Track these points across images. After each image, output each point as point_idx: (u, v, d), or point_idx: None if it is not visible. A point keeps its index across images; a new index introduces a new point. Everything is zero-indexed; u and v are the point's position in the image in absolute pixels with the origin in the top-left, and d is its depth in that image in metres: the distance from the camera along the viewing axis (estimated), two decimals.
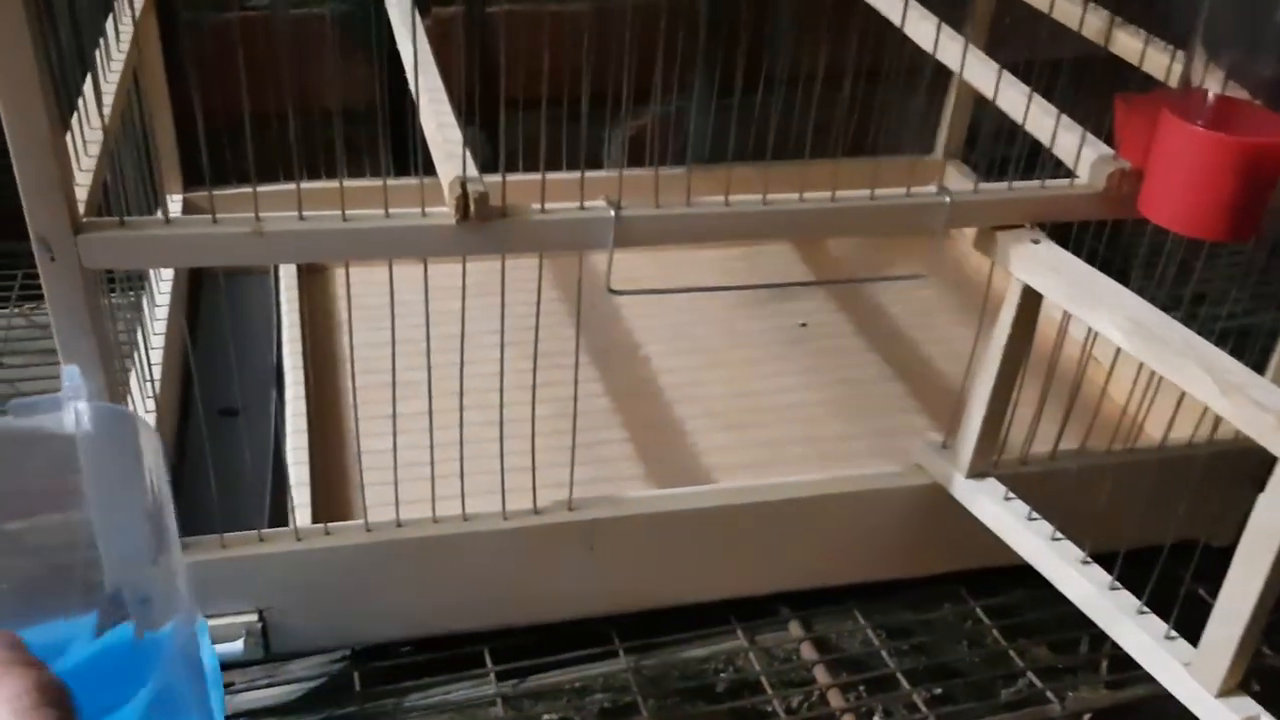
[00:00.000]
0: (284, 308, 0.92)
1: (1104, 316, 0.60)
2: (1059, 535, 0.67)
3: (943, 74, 1.00)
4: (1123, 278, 0.64)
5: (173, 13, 0.94)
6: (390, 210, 0.59)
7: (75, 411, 0.54)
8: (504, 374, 0.65)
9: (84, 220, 0.56)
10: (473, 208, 0.58)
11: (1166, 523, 0.64)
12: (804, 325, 1.00)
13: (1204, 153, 0.60)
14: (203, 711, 0.53)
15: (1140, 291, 0.62)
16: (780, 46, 1.12)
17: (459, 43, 1.08)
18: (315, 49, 0.91)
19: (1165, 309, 0.61)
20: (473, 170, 0.59)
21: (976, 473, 0.72)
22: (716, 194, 0.63)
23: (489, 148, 1.12)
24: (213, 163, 0.61)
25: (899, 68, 0.93)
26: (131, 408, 0.71)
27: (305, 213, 0.58)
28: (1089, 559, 0.66)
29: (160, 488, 0.57)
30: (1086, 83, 0.73)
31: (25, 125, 0.52)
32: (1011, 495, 0.70)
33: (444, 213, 0.59)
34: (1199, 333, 0.59)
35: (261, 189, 0.57)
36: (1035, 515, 0.69)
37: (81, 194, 0.58)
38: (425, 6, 1.07)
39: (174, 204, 0.98)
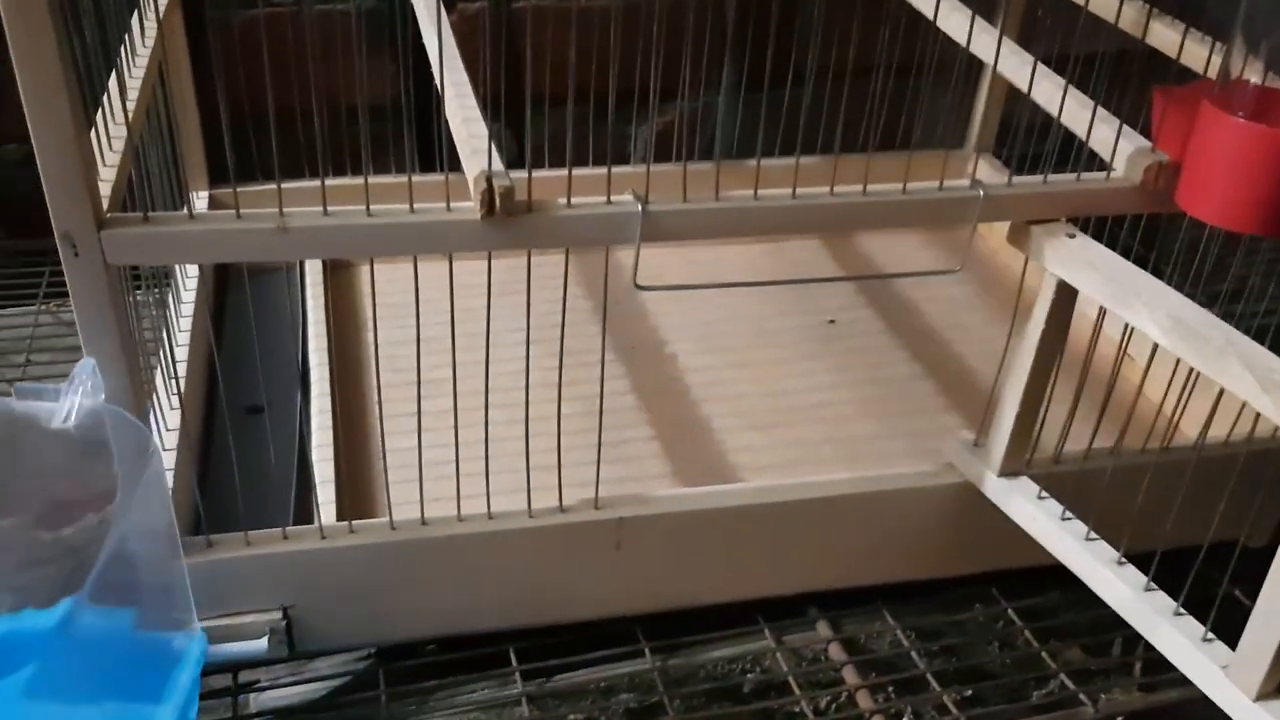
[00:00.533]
0: (309, 304, 0.92)
1: (1142, 313, 0.59)
2: (1093, 535, 0.66)
3: (974, 67, 0.99)
4: (1157, 273, 0.63)
5: (198, 9, 0.94)
6: (415, 205, 0.58)
7: (68, 406, 0.54)
8: (529, 371, 0.65)
9: (108, 215, 0.56)
10: (498, 202, 0.58)
11: (1203, 523, 0.62)
12: (832, 322, 0.99)
13: (1245, 145, 0.58)
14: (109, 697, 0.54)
15: (1176, 287, 0.61)
16: (810, 40, 1.11)
17: (485, 38, 1.08)
18: (340, 45, 0.91)
19: (1202, 305, 0.60)
20: (498, 165, 0.59)
21: (1009, 472, 0.71)
22: (745, 189, 0.62)
23: (515, 143, 1.12)
24: (238, 159, 0.61)
25: (930, 60, 0.92)
26: (156, 405, 0.71)
27: (330, 208, 0.57)
28: (1124, 559, 0.65)
29: (158, 488, 0.57)
30: (1123, 77, 0.72)
31: (49, 122, 0.52)
32: (1045, 494, 0.69)
33: (469, 208, 0.58)
34: (1237, 329, 0.58)
35: (286, 185, 0.57)
36: (1069, 515, 0.68)
37: (105, 189, 0.57)
38: (451, 1, 1.07)
39: (199, 200, 0.98)
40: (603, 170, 0.59)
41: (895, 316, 1.00)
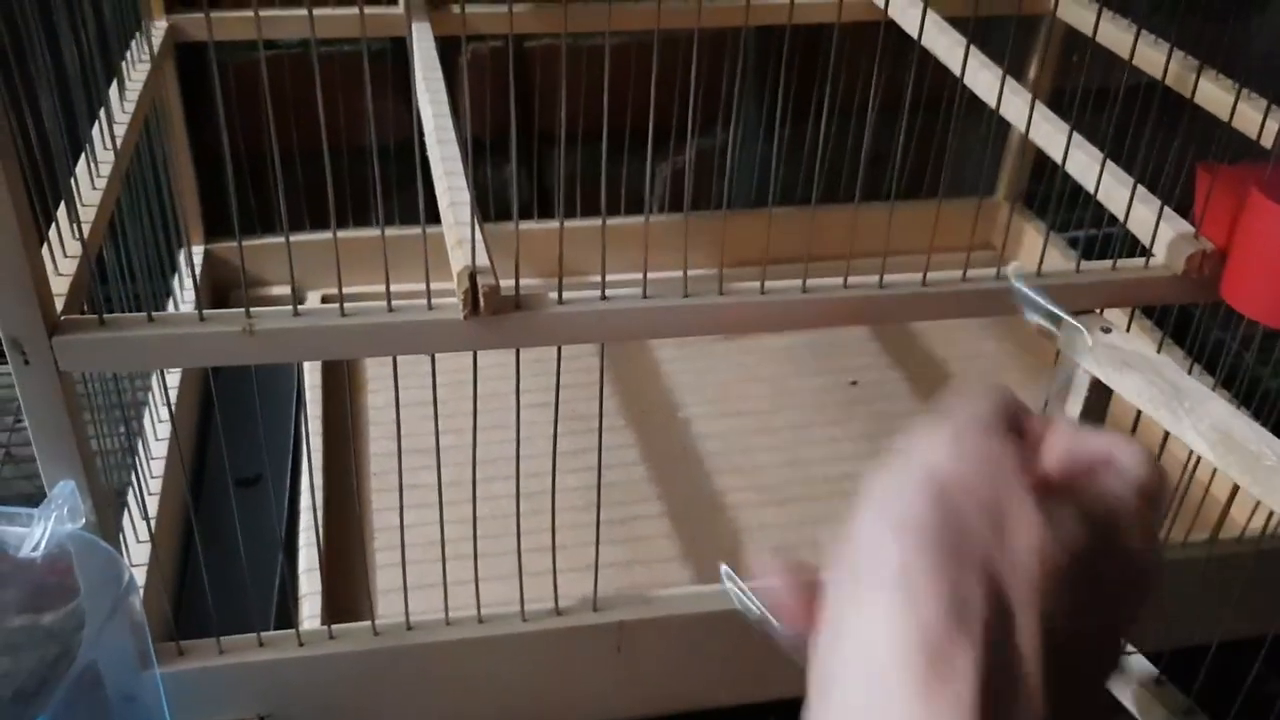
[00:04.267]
0: (305, 377, 0.87)
1: (1185, 422, 0.54)
2: None
3: None
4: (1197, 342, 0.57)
5: (195, 57, 0.90)
6: (394, 303, 0.54)
7: (37, 535, 0.50)
8: (519, 461, 0.60)
9: (63, 319, 0.52)
10: (483, 302, 0.53)
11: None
12: (854, 383, 0.94)
13: None
14: None
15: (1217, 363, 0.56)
16: (831, 81, 1.06)
17: (499, 79, 1.03)
18: (341, 91, 0.87)
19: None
20: (483, 259, 0.54)
21: None
22: (758, 243, 0.57)
23: (528, 187, 1.08)
24: (226, 212, 0.56)
25: (958, 102, 0.87)
26: (133, 501, 0.67)
27: (301, 308, 0.53)
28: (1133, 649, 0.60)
29: (132, 615, 0.54)
30: (1165, 109, 0.66)
31: None
32: None
33: (452, 305, 0.54)
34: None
35: (280, 241, 0.53)
36: None
37: (61, 286, 0.53)
38: (462, 42, 1.03)
39: (196, 254, 0.94)
40: (616, 221, 0.53)
41: (921, 377, 0.95)
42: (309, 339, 0.53)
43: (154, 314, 0.53)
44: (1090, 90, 0.66)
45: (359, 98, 0.55)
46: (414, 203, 0.55)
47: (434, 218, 0.96)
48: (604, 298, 0.56)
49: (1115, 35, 0.76)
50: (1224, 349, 0.72)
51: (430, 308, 0.54)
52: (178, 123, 0.89)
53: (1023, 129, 0.65)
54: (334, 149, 0.52)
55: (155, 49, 0.81)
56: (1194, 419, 0.54)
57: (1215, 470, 0.56)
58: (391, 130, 0.98)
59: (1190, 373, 0.68)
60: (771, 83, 1.05)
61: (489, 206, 1.09)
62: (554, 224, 0.86)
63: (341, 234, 0.54)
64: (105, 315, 0.52)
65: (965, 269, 0.59)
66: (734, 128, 1.05)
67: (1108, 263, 0.60)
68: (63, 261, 0.56)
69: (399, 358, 0.56)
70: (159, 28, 0.85)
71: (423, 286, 0.55)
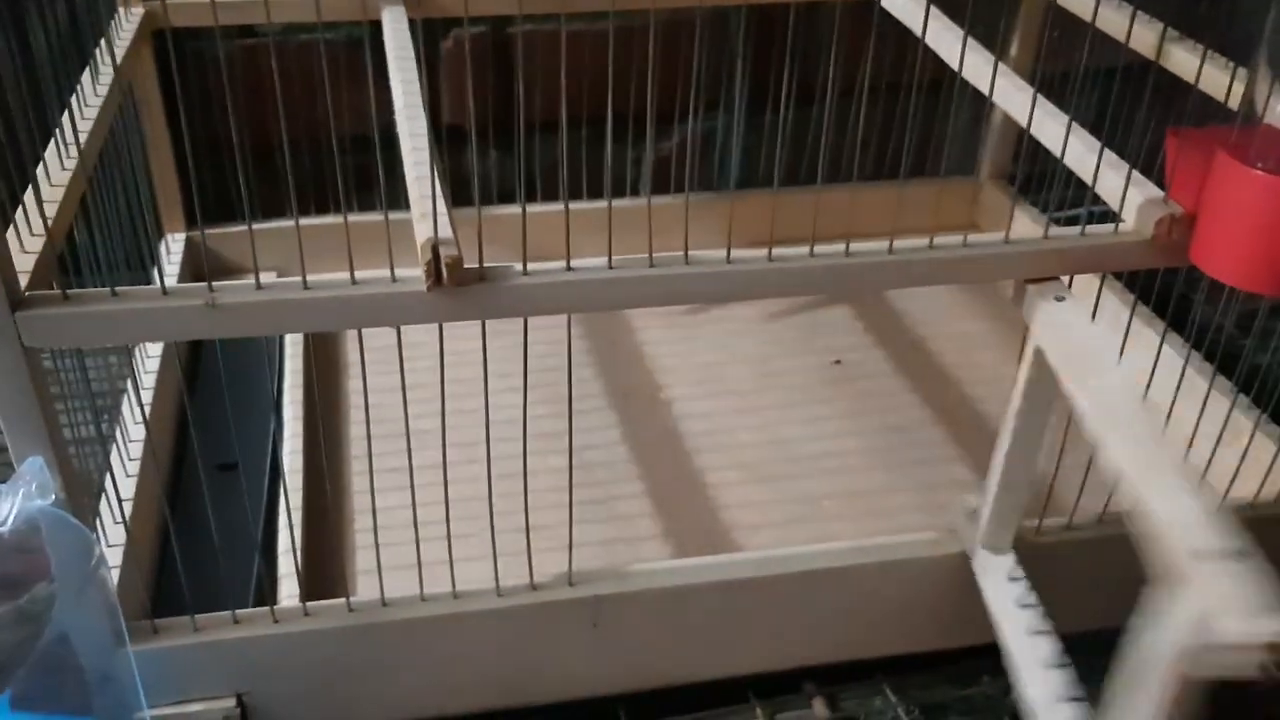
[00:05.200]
0: (287, 352, 0.88)
1: (1082, 394, 0.53)
2: (1042, 628, 0.61)
3: None
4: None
5: (172, 44, 0.90)
6: (357, 275, 0.54)
7: (4, 510, 0.50)
8: (489, 442, 0.60)
9: (26, 295, 0.52)
10: (446, 274, 0.53)
11: None
12: (838, 363, 0.94)
13: (1263, 200, 0.53)
14: None
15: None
16: (812, 60, 1.06)
17: (480, 64, 1.03)
18: (319, 76, 0.87)
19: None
20: (446, 231, 0.54)
21: (992, 546, 0.66)
22: (722, 228, 0.57)
23: (511, 174, 1.08)
24: (219, 197, 0.56)
25: (929, 80, 0.87)
26: (111, 481, 0.67)
27: (264, 280, 0.53)
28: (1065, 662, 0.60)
29: (102, 591, 0.54)
30: (1147, 89, 0.66)
31: None
32: (1019, 575, 0.64)
33: (415, 277, 0.54)
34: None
35: (260, 227, 0.53)
36: (1030, 602, 0.63)
37: (26, 264, 0.53)
38: (444, 28, 1.03)
39: (176, 243, 0.94)
40: (602, 204, 0.53)
41: (904, 356, 0.95)
42: (271, 312, 0.53)
43: (118, 289, 0.53)
44: (1059, 66, 0.66)
45: (340, 86, 0.55)
46: (401, 191, 0.55)
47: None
48: (569, 268, 0.56)
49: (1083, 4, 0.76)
50: (1203, 320, 0.72)
51: (394, 280, 0.54)
52: (155, 110, 0.89)
53: (988, 91, 0.64)
54: (311, 136, 0.52)
55: (130, 35, 0.82)
56: (1093, 383, 0.53)
57: None
58: (374, 118, 0.99)
59: (1163, 343, 0.68)
60: (756, 67, 1.05)
61: (473, 196, 1.09)
62: (540, 207, 0.85)
63: (313, 220, 0.54)
64: (69, 291, 0.52)
65: (931, 239, 0.59)
66: (735, 110, 1.05)
67: (1075, 229, 0.59)
68: (29, 240, 0.56)
69: (376, 343, 0.56)
70: (135, 14, 0.85)
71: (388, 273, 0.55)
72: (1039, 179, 0.97)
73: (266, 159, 0.65)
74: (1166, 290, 0.71)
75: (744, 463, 0.84)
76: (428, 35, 1.02)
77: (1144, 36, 0.72)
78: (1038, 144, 0.65)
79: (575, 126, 0.97)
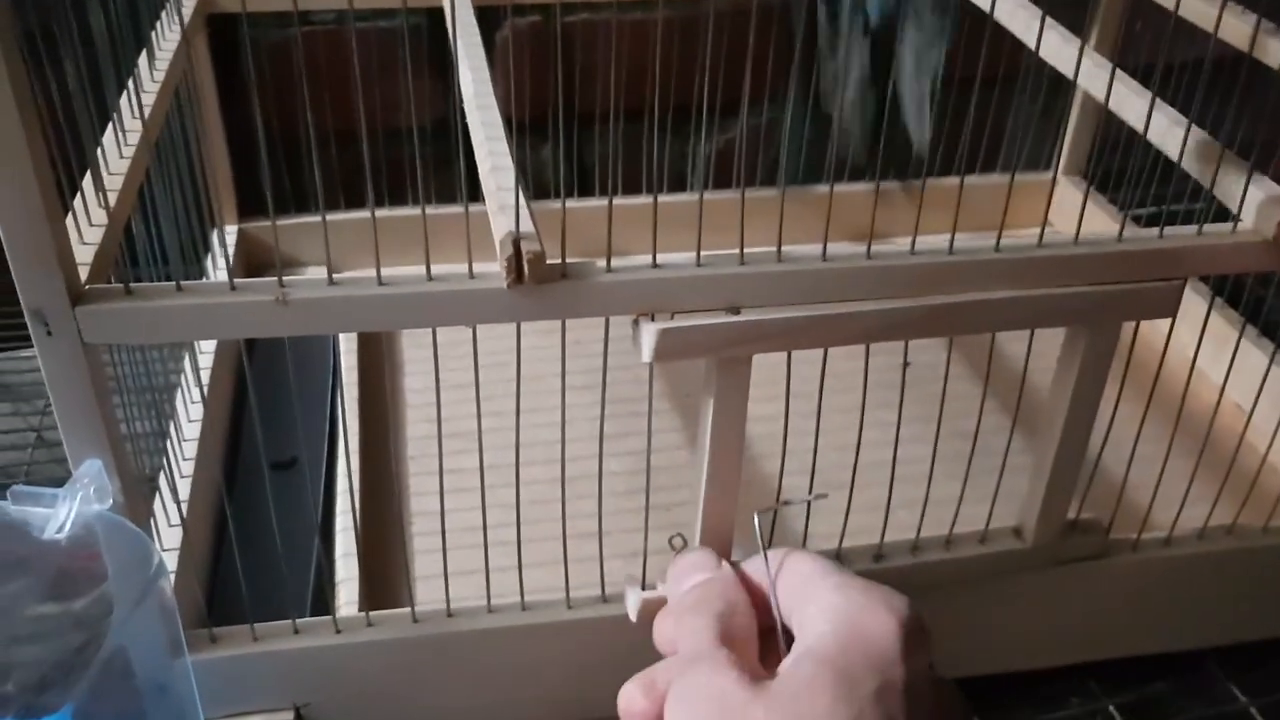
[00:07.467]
0: (343, 349, 0.85)
1: None
2: None
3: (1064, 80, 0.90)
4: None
5: (229, 31, 0.88)
6: (434, 272, 0.51)
7: (62, 516, 0.47)
8: (565, 442, 0.57)
9: (86, 289, 0.49)
10: (527, 270, 0.50)
11: None
12: (908, 364, 0.90)
13: None
14: None
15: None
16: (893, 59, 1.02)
17: (538, 55, 1.01)
18: (379, 66, 0.85)
19: None
20: (528, 225, 0.51)
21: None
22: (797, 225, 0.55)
23: (568, 167, 1.05)
24: (258, 191, 0.53)
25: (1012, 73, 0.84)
26: (166, 482, 0.65)
27: (337, 276, 0.51)
28: None
29: (162, 599, 0.51)
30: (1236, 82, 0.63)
31: (10, 187, 0.45)
32: None
33: (495, 273, 0.51)
34: None
35: (303, 221, 0.50)
36: None
37: (86, 256, 0.51)
38: (500, 17, 1.00)
39: (229, 234, 0.92)
40: (668, 199, 0.51)
41: (978, 359, 0.91)
42: (344, 308, 0.51)
43: (183, 284, 0.50)
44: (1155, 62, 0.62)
45: (392, 75, 0.52)
46: (451, 184, 0.52)
47: (475, 197, 0.94)
48: (655, 265, 0.53)
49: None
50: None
51: (472, 276, 0.52)
52: (210, 98, 0.87)
53: (1102, 98, 0.61)
54: (369, 128, 0.50)
55: (186, 20, 0.79)
56: None
57: None
58: (427, 109, 0.96)
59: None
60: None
61: (528, 188, 1.06)
62: (595, 202, 0.82)
63: (379, 213, 0.51)
64: (132, 285, 0.50)
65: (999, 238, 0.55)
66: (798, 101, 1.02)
67: (1192, 228, 0.56)
68: (88, 231, 0.53)
69: (438, 340, 0.53)
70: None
71: (464, 269, 0.52)
72: (1118, 176, 0.93)
73: (296, 151, 0.62)
74: (1239, 287, 0.68)
75: (809, 469, 0.81)
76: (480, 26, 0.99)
77: (1236, 27, 0.69)
78: (1117, 140, 0.62)
79: (634, 119, 0.94)
